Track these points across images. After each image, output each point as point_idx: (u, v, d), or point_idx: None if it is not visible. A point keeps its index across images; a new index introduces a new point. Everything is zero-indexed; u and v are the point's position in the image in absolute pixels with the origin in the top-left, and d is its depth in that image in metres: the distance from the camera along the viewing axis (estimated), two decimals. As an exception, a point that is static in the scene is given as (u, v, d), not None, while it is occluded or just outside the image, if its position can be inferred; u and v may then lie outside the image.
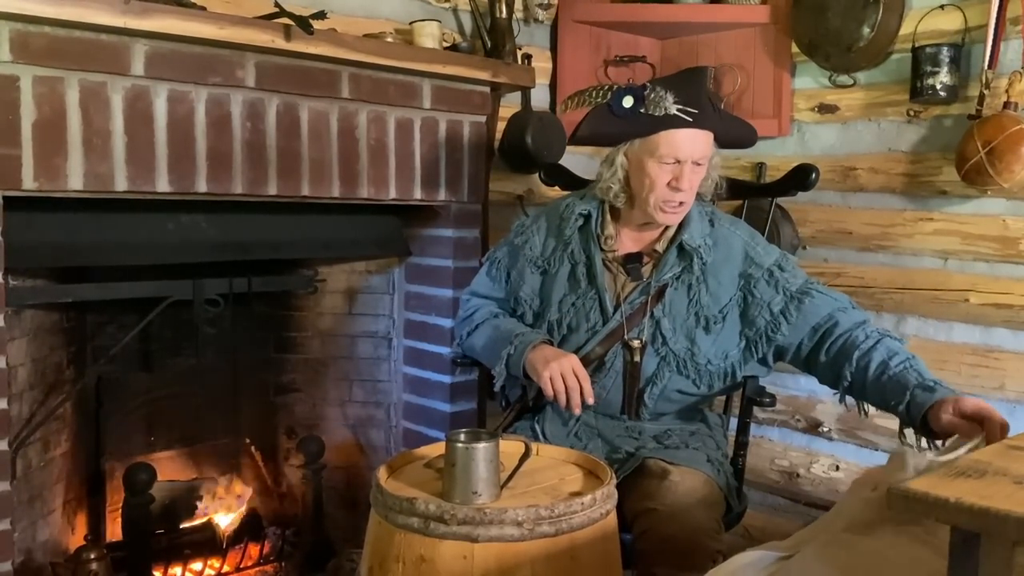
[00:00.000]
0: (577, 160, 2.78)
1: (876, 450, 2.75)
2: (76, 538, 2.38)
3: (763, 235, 2.10)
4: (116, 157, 1.95)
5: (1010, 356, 2.47)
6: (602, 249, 2.00)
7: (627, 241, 2.02)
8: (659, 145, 1.85)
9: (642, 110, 1.86)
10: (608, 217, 2.01)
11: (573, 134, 2.02)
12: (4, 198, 1.84)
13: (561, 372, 1.85)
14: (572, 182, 2.40)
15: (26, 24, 1.80)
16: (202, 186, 2.08)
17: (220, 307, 2.43)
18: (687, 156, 1.85)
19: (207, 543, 2.52)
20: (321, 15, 2.09)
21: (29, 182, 1.84)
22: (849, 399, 1.88)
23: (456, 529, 1.45)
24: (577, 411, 1.88)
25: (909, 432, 1.74)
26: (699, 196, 2.00)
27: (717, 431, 2.11)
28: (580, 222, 2.02)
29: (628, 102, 1.87)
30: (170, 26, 1.92)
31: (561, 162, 2.65)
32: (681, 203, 1.90)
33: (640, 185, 1.91)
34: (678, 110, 1.83)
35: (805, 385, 2.89)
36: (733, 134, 2.01)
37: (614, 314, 1.95)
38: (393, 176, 2.43)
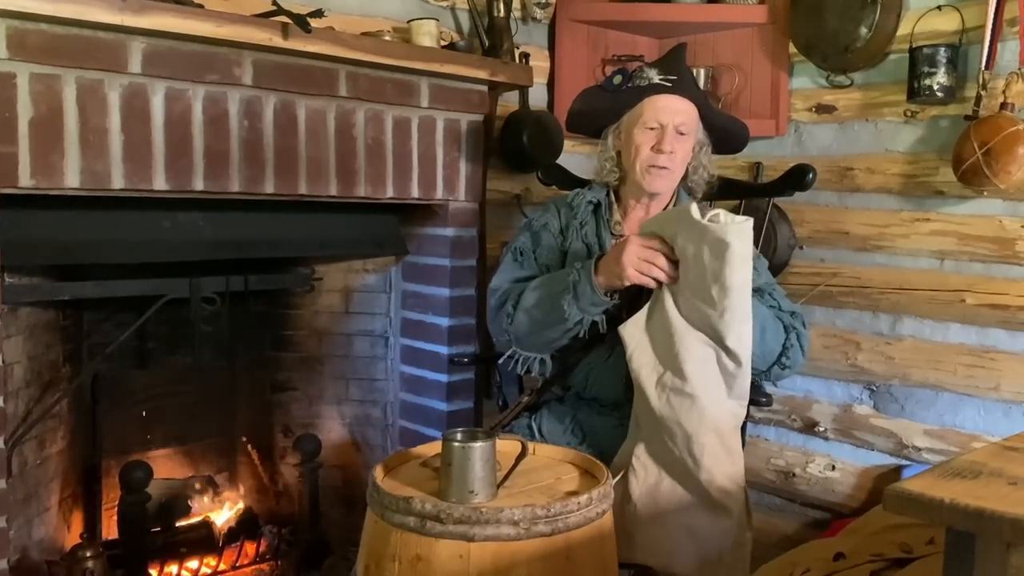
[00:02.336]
0: (575, 160, 2.78)
1: (872, 450, 2.76)
2: (72, 536, 2.38)
3: (760, 235, 2.12)
4: (113, 155, 1.95)
5: (1006, 357, 2.48)
6: (612, 235, 2.05)
7: (634, 226, 2.05)
8: (643, 112, 1.97)
9: (629, 84, 1.99)
10: (616, 205, 2.08)
11: (569, 113, 2.12)
12: (1, 196, 1.84)
13: (639, 258, 1.80)
14: (570, 181, 2.39)
15: (23, 21, 1.79)
16: (199, 184, 2.08)
17: (217, 305, 2.43)
18: (668, 120, 1.95)
19: (203, 541, 2.52)
20: (319, 13, 2.09)
21: (26, 179, 1.84)
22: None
23: (452, 528, 1.45)
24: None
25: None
26: (692, 192, 2.07)
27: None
28: (591, 208, 2.08)
29: (617, 80, 2.03)
30: (167, 24, 1.92)
31: (559, 161, 2.65)
32: (665, 167, 1.96)
33: (628, 155, 2.00)
34: (660, 79, 1.96)
35: (801, 385, 2.90)
36: (720, 121, 2.07)
37: (612, 299, 1.96)
38: (390, 175, 2.43)
